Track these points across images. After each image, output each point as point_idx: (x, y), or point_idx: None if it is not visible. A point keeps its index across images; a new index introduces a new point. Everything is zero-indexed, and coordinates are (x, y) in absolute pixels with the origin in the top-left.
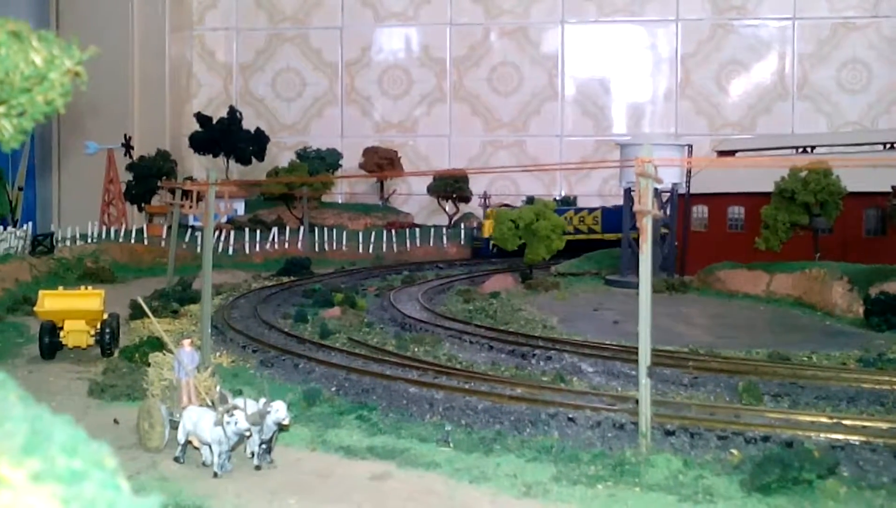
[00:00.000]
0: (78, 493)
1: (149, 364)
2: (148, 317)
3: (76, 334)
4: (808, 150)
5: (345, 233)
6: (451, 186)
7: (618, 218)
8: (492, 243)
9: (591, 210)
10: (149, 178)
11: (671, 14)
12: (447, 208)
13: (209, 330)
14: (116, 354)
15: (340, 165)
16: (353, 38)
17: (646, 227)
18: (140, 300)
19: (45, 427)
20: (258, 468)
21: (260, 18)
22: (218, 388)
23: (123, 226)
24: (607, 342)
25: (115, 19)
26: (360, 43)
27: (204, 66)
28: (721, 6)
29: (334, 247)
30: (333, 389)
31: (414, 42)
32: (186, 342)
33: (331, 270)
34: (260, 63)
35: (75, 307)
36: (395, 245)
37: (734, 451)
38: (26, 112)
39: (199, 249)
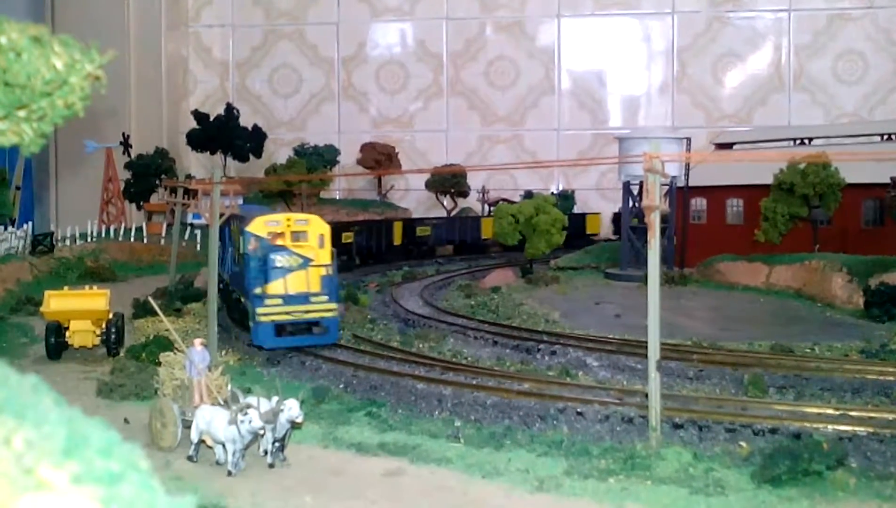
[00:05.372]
0: (117, 494)
1: (157, 363)
2: (155, 316)
3: (82, 333)
4: (806, 141)
5: None
6: (448, 182)
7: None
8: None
9: None
10: (147, 176)
11: (667, 7)
12: (445, 203)
13: (215, 328)
14: (122, 353)
15: (338, 161)
16: (350, 34)
17: (654, 222)
18: (151, 300)
19: (81, 430)
20: (272, 466)
21: (256, 15)
22: (229, 387)
23: (122, 224)
24: (611, 336)
25: (110, 17)
26: (357, 38)
27: (200, 63)
28: None
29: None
30: (341, 386)
31: (410, 37)
32: (198, 341)
33: None
34: (256, 59)
35: (81, 307)
36: None
37: (743, 443)
38: (46, 116)
39: (198, 246)
